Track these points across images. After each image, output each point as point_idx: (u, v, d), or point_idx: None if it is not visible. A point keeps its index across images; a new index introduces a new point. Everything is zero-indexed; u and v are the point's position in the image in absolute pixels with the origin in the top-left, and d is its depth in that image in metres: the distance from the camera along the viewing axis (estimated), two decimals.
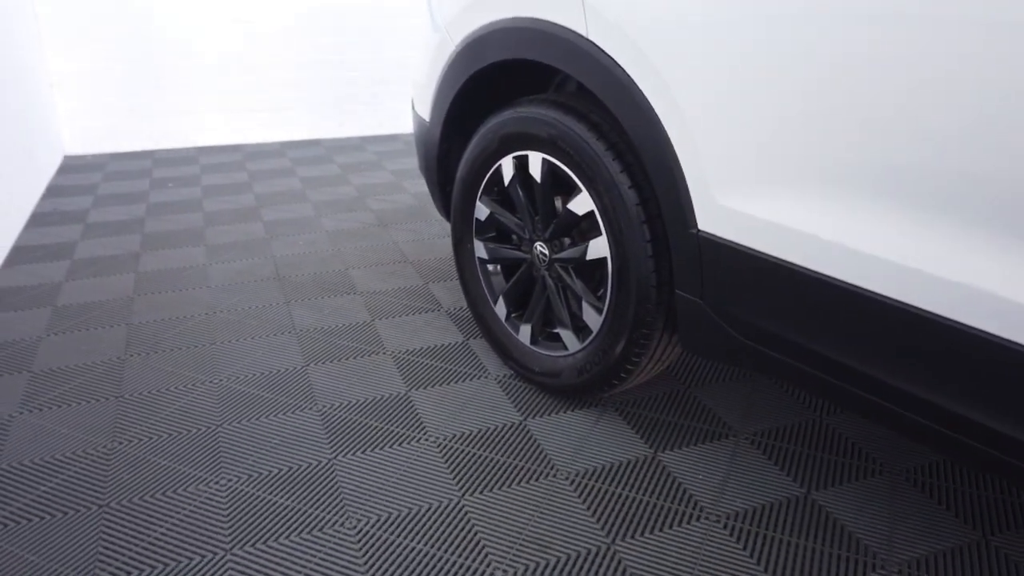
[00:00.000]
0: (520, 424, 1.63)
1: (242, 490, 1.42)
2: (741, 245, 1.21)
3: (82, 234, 2.86)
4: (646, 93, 1.28)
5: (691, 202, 1.27)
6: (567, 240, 1.61)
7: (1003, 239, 0.90)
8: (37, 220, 3.03)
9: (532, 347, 1.74)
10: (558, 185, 1.60)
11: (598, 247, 1.50)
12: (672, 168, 1.28)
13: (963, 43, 0.89)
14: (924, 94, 0.93)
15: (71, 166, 3.93)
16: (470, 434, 1.60)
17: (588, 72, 1.39)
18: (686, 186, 1.27)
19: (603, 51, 1.34)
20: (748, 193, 1.18)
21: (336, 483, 1.44)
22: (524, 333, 1.75)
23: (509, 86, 1.85)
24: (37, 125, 3.49)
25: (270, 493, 1.41)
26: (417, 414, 1.67)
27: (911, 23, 0.93)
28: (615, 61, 1.32)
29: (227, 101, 4.48)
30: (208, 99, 4.44)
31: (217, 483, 1.44)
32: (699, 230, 1.27)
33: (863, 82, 0.99)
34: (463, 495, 1.40)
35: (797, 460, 1.51)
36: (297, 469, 1.48)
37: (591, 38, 1.36)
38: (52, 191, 3.45)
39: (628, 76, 1.30)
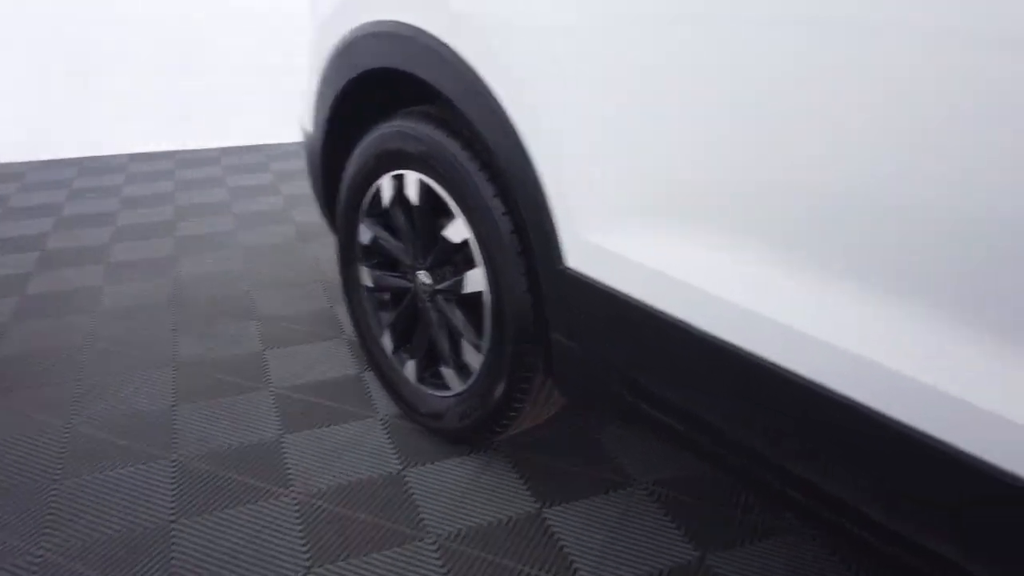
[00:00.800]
0: (398, 475, 1.46)
1: (58, 563, 1.23)
2: (608, 286, 1.04)
3: None
4: (504, 105, 1.11)
5: (557, 235, 1.10)
6: (450, 270, 1.44)
7: (913, 309, 0.73)
8: None
9: (419, 385, 1.57)
10: (439, 209, 1.43)
11: (475, 279, 1.33)
12: (536, 195, 1.11)
13: (887, 59, 0.73)
14: (824, 123, 0.77)
15: None
16: (338, 488, 1.42)
17: (448, 81, 1.22)
18: (551, 217, 1.10)
19: (459, 56, 1.17)
20: (616, 229, 1.02)
21: (169, 554, 1.26)
22: (410, 369, 1.58)
23: (405, 96, 1.67)
24: None
25: (89, 567, 1.23)
26: (284, 464, 1.49)
27: (821, 31, 0.77)
28: (471, 67, 1.15)
29: (164, 106, 4.27)
30: (144, 104, 4.22)
31: (32, 553, 1.25)
32: (566, 267, 1.10)
33: (753, 102, 0.82)
34: (311, 566, 1.23)
35: (697, 515, 1.35)
36: (129, 535, 1.30)
37: (446, 40, 1.19)
38: None
39: (486, 85, 1.13)
